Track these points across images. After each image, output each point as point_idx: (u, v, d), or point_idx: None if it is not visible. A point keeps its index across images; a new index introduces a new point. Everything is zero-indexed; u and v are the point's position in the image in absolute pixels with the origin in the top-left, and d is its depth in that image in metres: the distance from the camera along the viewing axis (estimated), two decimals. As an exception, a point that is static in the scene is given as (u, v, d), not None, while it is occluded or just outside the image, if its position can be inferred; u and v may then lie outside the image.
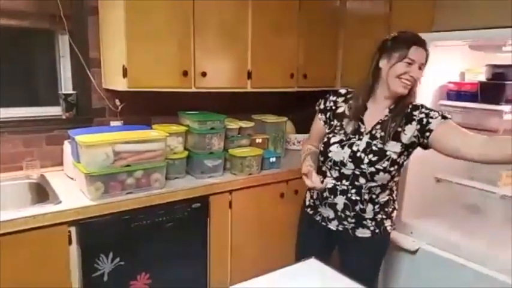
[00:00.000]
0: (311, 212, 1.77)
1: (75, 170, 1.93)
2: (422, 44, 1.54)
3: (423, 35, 1.94)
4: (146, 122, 2.47)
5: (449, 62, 2.12)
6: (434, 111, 1.57)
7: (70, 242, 1.74)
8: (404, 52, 1.51)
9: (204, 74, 2.30)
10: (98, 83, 2.31)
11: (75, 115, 2.26)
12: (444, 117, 1.53)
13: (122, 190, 1.85)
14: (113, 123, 2.37)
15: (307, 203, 1.81)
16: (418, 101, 1.99)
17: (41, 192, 1.94)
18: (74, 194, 1.86)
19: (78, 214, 1.72)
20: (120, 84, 2.09)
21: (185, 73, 2.23)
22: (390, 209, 1.70)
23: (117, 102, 2.36)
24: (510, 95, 1.89)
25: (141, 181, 1.90)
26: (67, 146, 2.13)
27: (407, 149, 1.58)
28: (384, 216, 1.67)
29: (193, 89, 2.30)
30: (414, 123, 1.55)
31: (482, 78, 2.02)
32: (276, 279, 1.25)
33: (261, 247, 2.41)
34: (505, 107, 1.86)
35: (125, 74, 2.04)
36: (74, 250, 1.76)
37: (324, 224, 1.71)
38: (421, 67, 1.54)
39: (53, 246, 1.70)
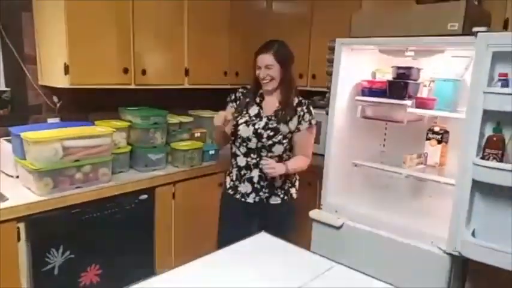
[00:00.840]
0: (232, 192, 2.09)
1: (18, 167, 1.92)
2: (263, 51, 2.01)
3: (341, 40, 2.28)
4: (84, 118, 2.49)
5: (364, 63, 2.46)
6: (310, 113, 2.04)
7: (19, 239, 1.75)
8: (255, 61, 2.03)
9: (143, 72, 2.39)
10: (33, 79, 2.27)
11: (10, 112, 2.21)
12: (311, 124, 2.04)
13: (71, 185, 1.89)
14: (50, 120, 2.35)
15: (228, 186, 2.12)
16: (339, 96, 2.34)
17: (-20, 191, 1.89)
18: (18, 190, 1.87)
19: (28, 210, 1.74)
20: (61, 81, 2.11)
21: (126, 70, 2.31)
22: (293, 179, 2.13)
23: (55, 99, 2.35)
24: (411, 92, 2.27)
25: (89, 175, 1.96)
26: (3, 144, 2.09)
27: (293, 133, 2.03)
28: (290, 185, 2.09)
29: (134, 86, 2.38)
30: (296, 117, 2.01)
31: (390, 77, 2.38)
32: (227, 253, 1.42)
33: (202, 233, 2.56)
34: (407, 102, 2.23)
35: (66, 71, 2.06)
36: (22, 246, 1.77)
37: (243, 199, 2.05)
38: (269, 67, 1.98)
39: (1, 243, 1.70)
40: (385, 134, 2.70)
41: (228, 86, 2.99)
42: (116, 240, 2.07)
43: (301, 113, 2.03)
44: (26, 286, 1.81)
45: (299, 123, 2.02)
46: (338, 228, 2.32)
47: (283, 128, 2.00)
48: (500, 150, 1.67)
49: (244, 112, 2.09)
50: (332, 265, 1.27)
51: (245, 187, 2.05)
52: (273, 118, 2.02)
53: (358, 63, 2.41)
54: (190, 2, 2.58)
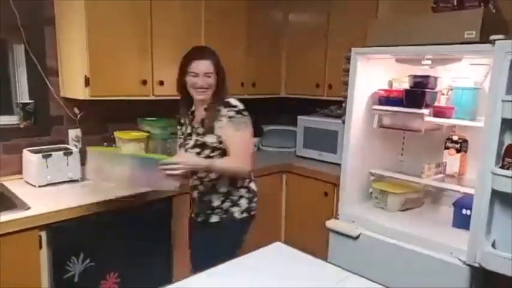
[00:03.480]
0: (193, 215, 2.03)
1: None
2: (201, 57, 1.83)
3: (357, 49, 2.28)
4: (103, 129, 2.56)
5: (380, 72, 2.45)
6: (230, 106, 1.82)
7: (40, 246, 1.80)
8: (188, 67, 1.83)
9: (161, 83, 2.44)
10: (56, 91, 2.35)
11: (32, 124, 2.28)
12: (230, 117, 1.80)
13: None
14: (71, 132, 2.42)
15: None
16: (356, 105, 2.34)
17: (5, 199, 1.95)
18: (40, 199, 1.91)
19: (49, 218, 1.78)
20: (82, 93, 2.17)
21: (144, 82, 2.36)
22: (236, 198, 1.93)
23: (76, 110, 2.42)
24: (429, 100, 2.25)
25: (108, 185, 2.00)
26: (27, 154, 2.16)
27: (220, 142, 1.83)
28: (230, 204, 1.92)
29: (152, 97, 2.43)
30: (223, 119, 1.80)
31: (406, 86, 2.37)
32: (242, 263, 1.42)
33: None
34: (425, 111, 2.21)
35: (87, 83, 2.12)
36: (44, 254, 1.82)
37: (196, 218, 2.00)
38: (208, 75, 1.82)
39: (24, 251, 1.75)
40: (403, 143, 2.67)
41: (245, 97, 3.02)
42: (134, 248, 2.10)
43: (222, 112, 1.81)
44: (47, 293, 1.86)
45: (219, 121, 1.80)
46: (355, 238, 2.30)
47: (210, 139, 1.83)
48: (520, 159, 1.64)
49: (181, 134, 2.01)
50: (347, 275, 1.26)
51: (195, 208, 2.01)
52: (200, 132, 1.87)
53: (374, 73, 2.41)
54: (207, 14, 2.63)
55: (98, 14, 2.11)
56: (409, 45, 2.06)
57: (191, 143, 1.88)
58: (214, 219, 1.92)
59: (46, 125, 2.34)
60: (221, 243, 1.88)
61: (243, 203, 1.96)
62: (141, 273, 2.12)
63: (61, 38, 2.30)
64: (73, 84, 2.25)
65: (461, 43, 1.89)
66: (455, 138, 2.38)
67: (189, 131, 1.94)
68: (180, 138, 2.01)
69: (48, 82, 2.31)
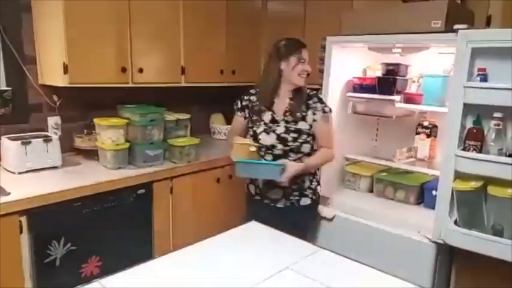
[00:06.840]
0: (259, 198, 2.15)
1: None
2: (304, 46, 2.07)
3: (331, 38, 2.35)
4: (83, 116, 2.57)
5: (354, 60, 2.54)
6: (321, 102, 2.08)
7: (21, 231, 1.83)
8: (299, 55, 2.03)
9: (141, 70, 2.46)
10: (33, 79, 2.35)
11: (10, 111, 2.28)
12: (324, 112, 2.06)
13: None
14: (50, 119, 2.43)
15: (253, 192, 2.19)
16: (331, 92, 2.42)
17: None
18: (20, 185, 1.94)
19: (30, 203, 1.81)
20: (60, 80, 2.18)
21: (123, 69, 2.38)
22: (318, 177, 2.21)
23: (55, 98, 2.42)
24: (400, 87, 2.34)
25: (88, 171, 2.03)
26: (5, 141, 2.16)
27: (311, 126, 2.06)
28: (316, 183, 2.16)
29: (131, 84, 2.45)
30: (310, 111, 2.05)
31: (379, 73, 2.46)
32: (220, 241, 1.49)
33: (199, 228, 2.63)
34: (396, 97, 2.31)
35: (65, 71, 2.14)
36: (25, 238, 1.85)
37: (272, 204, 2.11)
38: (307, 62, 2.06)
39: (4, 236, 1.77)
40: (377, 130, 2.77)
41: (225, 84, 3.07)
42: (115, 233, 2.15)
43: (314, 105, 2.06)
44: (29, 277, 1.89)
45: (313, 114, 2.04)
46: (330, 220, 2.40)
47: (304, 126, 2.04)
48: (479, 141, 1.74)
49: (258, 120, 2.10)
50: (316, 249, 1.35)
51: (275, 193, 2.10)
52: (290, 119, 2.04)
53: (349, 61, 2.49)
54: (186, 1, 2.65)
55: (75, 0, 2.12)
56: (380, 33, 2.14)
57: (281, 129, 2.03)
58: (304, 202, 2.12)
59: (25, 113, 2.35)
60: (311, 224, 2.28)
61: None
62: (122, 256, 2.17)
63: (38, 24, 2.30)
64: (51, 72, 2.26)
65: (428, 32, 1.98)
66: (425, 123, 2.49)
67: (269, 117, 2.07)
68: (258, 124, 2.09)
69: (26, 70, 2.30)
